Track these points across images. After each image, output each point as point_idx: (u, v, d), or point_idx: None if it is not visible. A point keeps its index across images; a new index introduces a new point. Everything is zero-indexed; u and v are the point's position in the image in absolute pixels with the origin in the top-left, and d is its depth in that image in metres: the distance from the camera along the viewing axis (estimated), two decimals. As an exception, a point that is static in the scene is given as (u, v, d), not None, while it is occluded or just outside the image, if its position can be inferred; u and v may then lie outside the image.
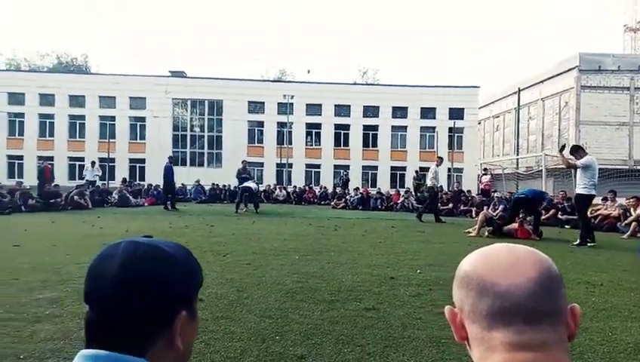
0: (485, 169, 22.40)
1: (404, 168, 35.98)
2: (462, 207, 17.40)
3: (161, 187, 17.31)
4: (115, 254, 0.70)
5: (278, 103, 35.73)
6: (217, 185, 24.05)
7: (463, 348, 0.74)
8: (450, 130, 34.35)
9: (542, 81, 33.82)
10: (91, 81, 37.12)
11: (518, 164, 30.53)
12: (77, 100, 36.14)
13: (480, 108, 39.12)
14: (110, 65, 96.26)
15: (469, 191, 20.28)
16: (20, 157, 34.91)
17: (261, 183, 31.12)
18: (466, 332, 0.69)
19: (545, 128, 33.69)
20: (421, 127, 36.95)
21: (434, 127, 35.88)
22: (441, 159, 13.50)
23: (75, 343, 2.81)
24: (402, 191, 21.29)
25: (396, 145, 37.13)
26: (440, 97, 36.30)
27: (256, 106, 36.99)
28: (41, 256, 5.81)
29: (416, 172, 24.30)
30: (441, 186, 17.45)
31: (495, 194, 17.60)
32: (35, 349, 2.70)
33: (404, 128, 37.12)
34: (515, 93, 36.72)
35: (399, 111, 37.04)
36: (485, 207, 15.94)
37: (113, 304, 0.67)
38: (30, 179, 21.07)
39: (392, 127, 37.00)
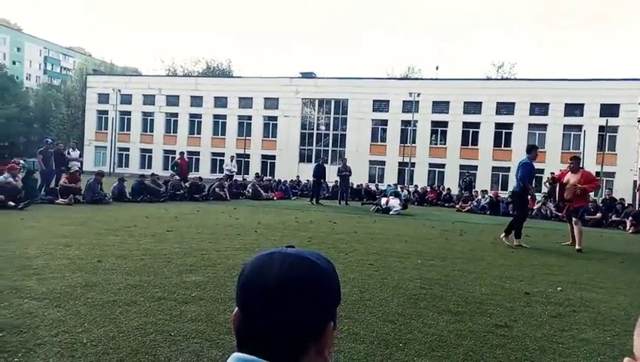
0: (645, 175, 19.21)
1: (541, 171, 32.68)
2: (613, 218, 15.20)
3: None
4: (270, 265, 0.72)
5: (403, 101, 35.19)
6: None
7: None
8: (602, 128, 30.22)
9: None
10: (233, 84, 40.95)
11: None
12: (221, 101, 40.13)
13: (640, 103, 33.65)
14: (249, 69, 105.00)
15: (622, 200, 17.61)
16: (173, 152, 39.96)
17: (382, 182, 31.08)
18: None
19: None
20: (564, 126, 33.12)
21: (580, 126, 31.92)
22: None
23: (216, 326, 3.10)
24: (539, 196, 19.35)
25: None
26: (590, 92, 32.05)
27: (380, 105, 36.94)
28: (189, 242, 6.57)
29: (552, 174, 21.92)
30: None
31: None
32: (182, 328, 3.05)
33: (544, 127, 33.65)
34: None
35: (538, 108, 33.68)
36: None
37: (271, 314, 0.69)
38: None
39: (529, 125, 33.80)
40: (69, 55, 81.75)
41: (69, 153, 15.36)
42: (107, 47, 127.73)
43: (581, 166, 8.97)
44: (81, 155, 17.12)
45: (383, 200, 15.02)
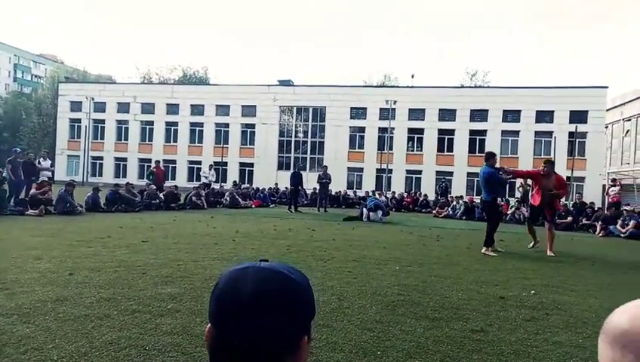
0: (614, 179, 19.92)
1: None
2: (584, 221, 15.66)
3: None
4: (244, 280, 0.72)
5: (380, 109, 35.61)
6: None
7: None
8: (571, 135, 31.21)
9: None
10: (210, 92, 40.65)
11: (655, 174, 26.61)
12: (197, 109, 39.75)
13: (608, 110, 34.91)
14: (226, 76, 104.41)
15: (592, 204, 18.18)
16: (149, 160, 39.31)
17: (360, 188, 31.28)
18: None
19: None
20: (536, 132, 34.07)
21: (551, 132, 32.88)
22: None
23: (192, 339, 3.05)
24: (512, 201, 19.80)
25: (506, 151, 34.67)
26: (559, 99, 33.11)
27: (358, 112, 37.27)
28: (165, 253, 6.45)
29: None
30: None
31: (625, 208, 15.61)
32: (157, 342, 2.98)
33: (516, 133, 34.54)
34: (652, 92, 32.16)
35: (511, 115, 34.57)
36: (619, 221, 14.19)
37: (244, 328, 0.69)
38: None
39: (502, 131, 34.64)
40: (40, 62, 79.70)
41: (39, 163, 14.94)
42: (80, 55, 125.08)
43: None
44: (52, 165, 16.61)
45: (364, 213, 14.62)
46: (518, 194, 21.51)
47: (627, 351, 0.57)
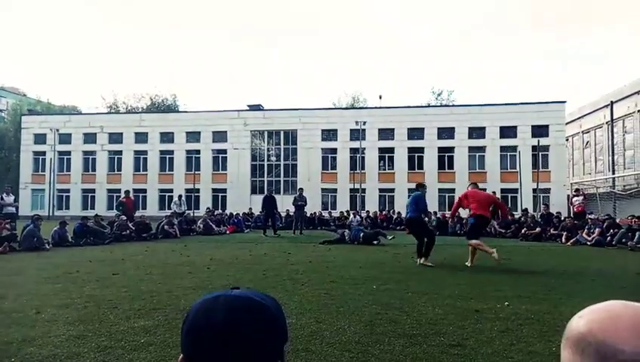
0: (577, 190, 20.68)
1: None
2: (551, 231, 16.13)
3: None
4: (215, 309, 0.72)
5: (351, 130, 36.11)
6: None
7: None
8: (534, 148, 32.35)
9: (638, 92, 30.83)
10: (179, 119, 40.29)
11: (614, 183, 27.81)
12: (167, 137, 39.28)
13: (567, 123, 36.48)
14: (195, 103, 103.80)
15: (558, 213, 18.79)
16: (118, 191, 38.38)
17: (334, 209, 31.36)
18: None
19: (644, 142, 30.51)
20: (501, 147, 35.19)
21: (515, 146, 34.03)
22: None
23: (167, 372, 2.97)
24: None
25: (474, 166, 35.62)
26: (521, 115, 34.46)
27: (329, 134, 37.66)
28: (137, 284, 6.27)
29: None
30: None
31: (590, 217, 16.20)
32: (132, 377, 2.89)
33: (483, 149, 35.57)
34: (607, 105, 33.84)
35: (476, 132, 35.65)
36: (580, 231, 14.70)
37: (218, 357, 0.69)
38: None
39: (469, 147, 35.63)
40: (1, 95, 77.45)
41: (2, 198, 14.42)
42: (43, 86, 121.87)
43: (482, 188, 9.84)
44: (16, 200, 16.04)
45: (347, 234, 14.25)
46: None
47: (585, 353, 0.61)
